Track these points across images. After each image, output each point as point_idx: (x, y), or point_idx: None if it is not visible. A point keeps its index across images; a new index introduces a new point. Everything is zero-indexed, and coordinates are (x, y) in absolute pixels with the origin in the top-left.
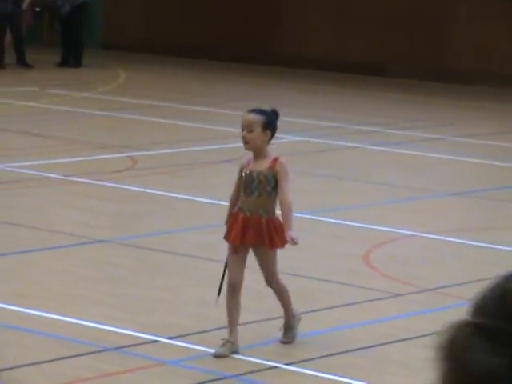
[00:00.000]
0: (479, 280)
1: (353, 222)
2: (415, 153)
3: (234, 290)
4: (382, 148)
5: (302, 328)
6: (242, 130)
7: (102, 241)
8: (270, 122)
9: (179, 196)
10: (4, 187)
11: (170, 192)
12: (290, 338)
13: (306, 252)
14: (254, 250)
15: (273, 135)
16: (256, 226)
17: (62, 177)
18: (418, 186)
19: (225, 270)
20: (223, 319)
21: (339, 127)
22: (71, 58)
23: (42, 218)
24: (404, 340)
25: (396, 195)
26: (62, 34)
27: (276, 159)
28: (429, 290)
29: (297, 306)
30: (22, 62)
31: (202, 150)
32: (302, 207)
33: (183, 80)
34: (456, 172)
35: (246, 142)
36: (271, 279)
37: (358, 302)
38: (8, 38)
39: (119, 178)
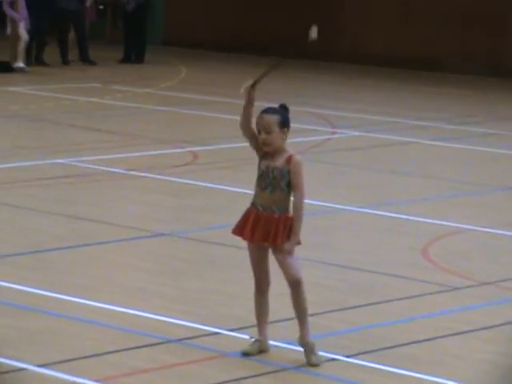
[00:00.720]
0: None
1: (410, 216)
2: (471, 147)
3: (261, 288)
4: (437, 143)
5: (362, 321)
6: (259, 133)
7: (162, 234)
8: (285, 120)
9: (239, 190)
10: (68, 181)
11: (229, 186)
12: (320, 360)
13: (365, 246)
14: (273, 251)
15: (288, 131)
16: (266, 223)
17: (124, 171)
18: (473, 180)
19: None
20: (282, 311)
21: (396, 122)
22: (133, 54)
23: (105, 212)
24: (462, 333)
25: (452, 189)
26: (125, 31)
27: (291, 156)
28: (486, 283)
29: (356, 299)
30: (86, 59)
31: None
32: (360, 202)
33: (242, 76)
34: (511, 167)
35: (267, 145)
36: (296, 275)
37: (417, 296)
38: (72, 35)
39: (180, 173)
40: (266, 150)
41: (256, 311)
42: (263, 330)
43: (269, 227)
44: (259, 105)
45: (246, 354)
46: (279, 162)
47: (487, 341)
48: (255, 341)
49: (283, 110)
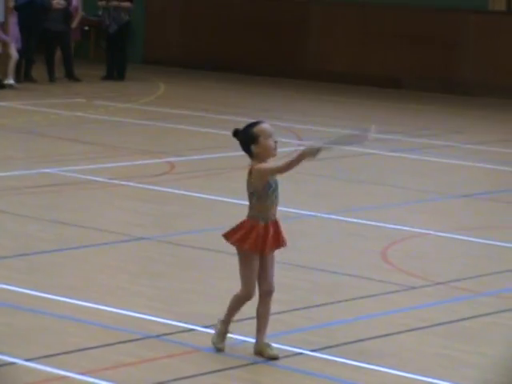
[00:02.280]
0: (487, 274)
1: (371, 221)
2: (427, 158)
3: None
4: (397, 154)
5: (326, 318)
6: (269, 138)
7: (142, 238)
8: None
9: (212, 197)
10: (55, 189)
11: (203, 194)
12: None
13: (329, 249)
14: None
15: None
16: (276, 230)
17: (106, 180)
18: (429, 188)
19: None
20: (251, 310)
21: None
22: (115, 72)
23: (89, 218)
24: (418, 329)
25: (410, 197)
26: (108, 50)
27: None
28: (440, 283)
29: (320, 298)
30: (71, 76)
31: (232, 156)
32: (323, 208)
33: (217, 92)
34: (465, 176)
35: (276, 149)
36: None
37: (377, 295)
38: (58, 54)
39: (158, 182)
40: (274, 155)
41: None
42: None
43: (278, 234)
44: (230, 118)
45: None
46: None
47: (440, 336)
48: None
49: None
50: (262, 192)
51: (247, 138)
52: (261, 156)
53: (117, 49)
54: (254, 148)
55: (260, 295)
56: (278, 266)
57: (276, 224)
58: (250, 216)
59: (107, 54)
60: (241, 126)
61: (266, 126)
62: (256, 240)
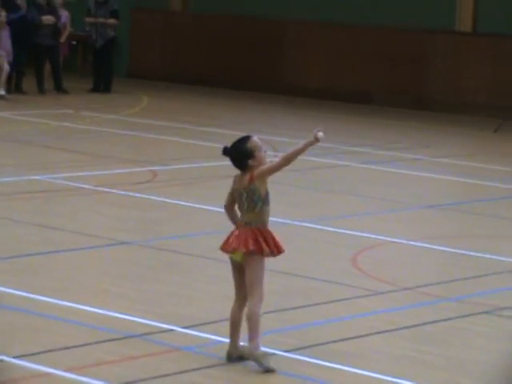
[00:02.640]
0: (451, 281)
1: (342, 229)
2: (396, 170)
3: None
4: (367, 166)
5: (299, 320)
6: (261, 151)
7: (126, 243)
8: None
9: (192, 205)
10: (42, 195)
11: (184, 201)
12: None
13: (303, 255)
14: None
15: None
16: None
17: (92, 187)
18: (398, 199)
19: None
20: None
21: (331, 148)
22: (102, 85)
23: (75, 223)
24: (385, 332)
25: (380, 207)
26: (94, 64)
27: (252, 175)
28: (407, 288)
29: (293, 301)
30: (59, 88)
31: (211, 166)
32: (298, 216)
33: (197, 105)
34: (431, 188)
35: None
36: None
37: (347, 299)
38: (47, 67)
39: (141, 189)
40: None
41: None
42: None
43: (274, 238)
44: (210, 130)
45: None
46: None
47: (407, 339)
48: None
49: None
50: (265, 197)
51: (243, 153)
52: (255, 168)
53: (103, 63)
54: (251, 162)
55: (242, 300)
56: None
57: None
58: (253, 222)
59: (94, 68)
60: (219, 137)
61: (256, 139)
62: (270, 243)
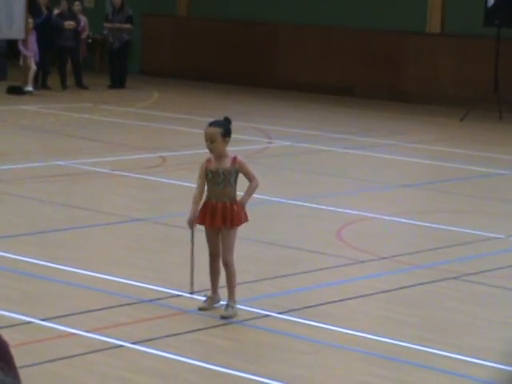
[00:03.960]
0: (424, 251)
1: (328, 206)
2: (375, 155)
3: (215, 258)
4: (350, 151)
5: (290, 286)
6: (206, 141)
7: (139, 219)
8: (226, 130)
9: None
10: (65, 178)
11: (190, 183)
12: (231, 313)
13: (293, 229)
14: (221, 231)
15: (230, 138)
16: (222, 211)
17: (109, 171)
18: (377, 180)
19: (192, 267)
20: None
21: (318, 135)
22: (117, 81)
23: (94, 202)
24: (365, 296)
25: (361, 187)
26: (111, 64)
27: (235, 158)
28: (385, 258)
29: (285, 270)
30: (80, 85)
31: None
32: (290, 195)
33: (202, 99)
34: (406, 169)
35: (211, 151)
36: (228, 257)
37: (332, 267)
38: (69, 66)
39: (152, 173)
40: (212, 155)
41: (211, 275)
42: (215, 288)
43: (225, 213)
44: (210, 119)
45: (201, 309)
46: (227, 164)
47: (384, 301)
48: (207, 298)
49: (226, 123)
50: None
51: (229, 130)
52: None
53: (118, 62)
54: (227, 140)
55: (218, 256)
56: (249, 243)
57: (222, 206)
58: (237, 198)
59: (110, 67)
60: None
61: (204, 130)
62: (199, 214)
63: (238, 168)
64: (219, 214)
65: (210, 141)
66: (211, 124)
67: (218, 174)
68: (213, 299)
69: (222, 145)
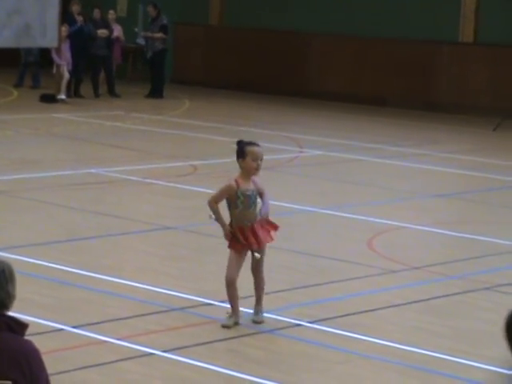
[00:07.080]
0: (456, 261)
1: (359, 215)
2: (407, 164)
3: (233, 284)
4: (382, 160)
5: (322, 295)
6: (258, 160)
7: (169, 227)
8: None
9: None
10: (97, 186)
11: None
12: (261, 319)
13: (324, 238)
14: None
15: None
16: (263, 229)
17: (140, 179)
18: (409, 189)
19: None
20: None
21: (350, 144)
22: (153, 91)
23: (125, 210)
24: (397, 305)
25: (393, 196)
26: (149, 73)
27: (254, 180)
28: (417, 268)
29: (317, 279)
30: (112, 93)
31: None
32: (321, 204)
33: (233, 108)
34: (438, 179)
35: (257, 170)
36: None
37: (363, 277)
38: (102, 74)
39: (183, 181)
40: (255, 175)
41: (235, 299)
42: (236, 310)
43: (265, 231)
44: (244, 129)
45: (224, 327)
46: (251, 184)
47: (416, 311)
48: (230, 317)
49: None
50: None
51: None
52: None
53: (152, 72)
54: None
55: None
56: (282, 252)
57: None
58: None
59: (151, 76)
60: (254, 136)
61: (256, 148)
62: (241, 240)
63: (259, 188)
64: (260, 233)
65: (261, 159)
66: (255, 143)
67: (250, 196)
68: (235, 318)
69: None
